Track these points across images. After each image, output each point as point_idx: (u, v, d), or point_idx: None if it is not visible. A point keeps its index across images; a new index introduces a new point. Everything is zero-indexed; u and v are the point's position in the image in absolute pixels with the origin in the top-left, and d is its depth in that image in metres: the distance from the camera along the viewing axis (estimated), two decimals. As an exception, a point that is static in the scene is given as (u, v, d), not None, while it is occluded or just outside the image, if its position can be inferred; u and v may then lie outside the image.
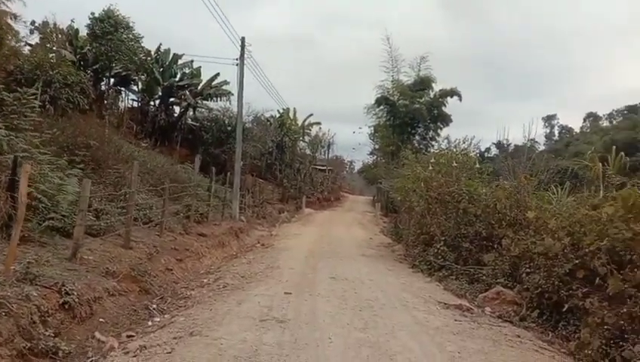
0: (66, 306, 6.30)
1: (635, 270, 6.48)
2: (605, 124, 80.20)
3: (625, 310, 6.16)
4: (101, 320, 6.92)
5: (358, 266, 12.53)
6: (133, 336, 6.40)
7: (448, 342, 6.26)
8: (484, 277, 10.58)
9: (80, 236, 8.34)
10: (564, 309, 7.46)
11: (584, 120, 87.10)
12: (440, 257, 12.53)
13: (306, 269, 11.36)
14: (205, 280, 10.21)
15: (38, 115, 14.38)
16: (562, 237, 8.86)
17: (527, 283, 8.96)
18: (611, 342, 6.20)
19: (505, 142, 51.56)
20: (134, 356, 5.18)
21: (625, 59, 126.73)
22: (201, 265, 12.12)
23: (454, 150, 17.31)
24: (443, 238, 12.97)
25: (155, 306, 7.99)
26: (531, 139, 46.31)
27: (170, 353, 5.17)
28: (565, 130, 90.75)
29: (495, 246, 11.27)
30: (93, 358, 5.40)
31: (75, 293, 6.49)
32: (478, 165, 16.19)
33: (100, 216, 10.67)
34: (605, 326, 6.28)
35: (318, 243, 17.28)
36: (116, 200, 11.83)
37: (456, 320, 7.52)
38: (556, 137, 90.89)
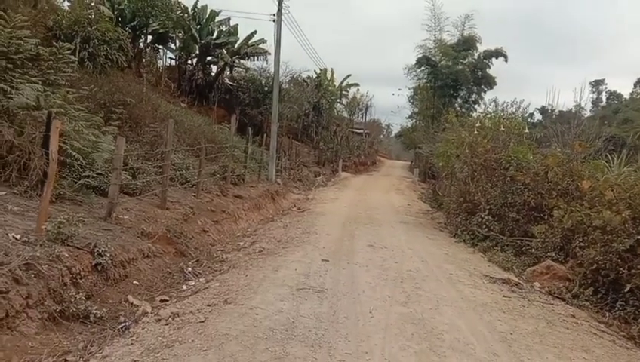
0: (99, 268, 6.11)
1: None
2: (658, 90, 75.89)
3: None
4: (135, 282, 6.75)
5: (397, 234, 12.11)
6: (167, 301, 6.20)
7: (498, 320, 5.82)
8: (532, 250, 10.02)
9: (115, 195, 8.15)
10: (627, 289, 6.84)
11: (635, 85, 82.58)
12: (484, 227, 11.97)
13: (343, 235, 11.01)
14: (241, 244, 10.00)
15: (76, 71, 14.34)
16: (622, 210, 8.20)
17: (581, 258, 8.38)
18: (681, 328, 5.64)
19: (549, 107, 49.41)
20: (166, 324, 4.95)
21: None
22: (237, 227, 11.92)
23: (501, 114, 16.43)
24: (488, 207, 12.36)
25: (190, 269, 7.79)
26: (578, 105, 44.31)
27: (203, 322, 4.92)
28: (614, 95, 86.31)
29: (545, 217, 10.61)
30: (125, 323, 5.19)
31: (108, 255, 6.29)
32: (527, 130, 15.29)
33: (136, 175, 10.54)
34: (675, 311, 5.70)
35: (354, 208, 16.90)
36: (152, 160, 11.67)
37: (504, 296, 7.06)
38: (604, 103, 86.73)
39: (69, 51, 12.33)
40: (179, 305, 5.67)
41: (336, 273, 7.45)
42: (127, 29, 21.88)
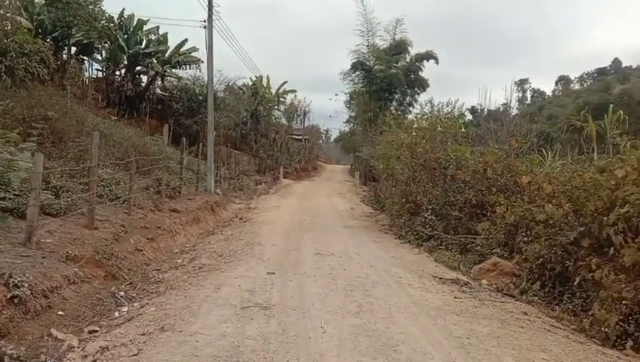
0: (15, 300, 5.42)
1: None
2: (577, 87, 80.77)
3: (645, 283, 5.59)
4: (60, 313, 6.04)
5: (343, 239, 11.86)
6: (96, 331, 5.58)
7: (453, 324, 5.61)
8: (477, 247, 10.06)
9: (34, 217, 7.37)
10: (575, 283, 6.86)
11: (556, 83, 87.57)
12: (428, 227, 11.95)
13: (288, 245, 10.61)
14: (179, 261, 9.38)
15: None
16: (563, 203, 8.30)
17: (526, 253, 8.42)
18: (630, 318, 5.65)
19: (479, 107, 51.30)
20: (94, 360, 4.38)
21: (594, 21, 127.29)
22: (174, 243, 11.24)
23: (437, 114, 16.62)
24: (430, 207, 12.38)
25: (122, 293, 7.14)
26: (506, 104, 46.15)
27: (136, 355, 4.38)
28: (537, 93, 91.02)
29: (487, 214, 10.68)
30: (47, 363, 4.57)
31: (26, 285, 5.60)
32: (463, 129, 15.52)
33: (60, 194, 9.69)
34: (623, 302, 5.71)
35: (298, 215, 16.54)
36: (78, 176, 10.82)
37: (456, 298, 6.91)
38: (529, 101, 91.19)
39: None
40: (109, 336, 5.07)
41: (284, 286, 7.04)
42: (48, 40, 20.55)
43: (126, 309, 6.44)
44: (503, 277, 8.50)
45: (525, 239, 8.75)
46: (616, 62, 79.81)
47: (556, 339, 5.41)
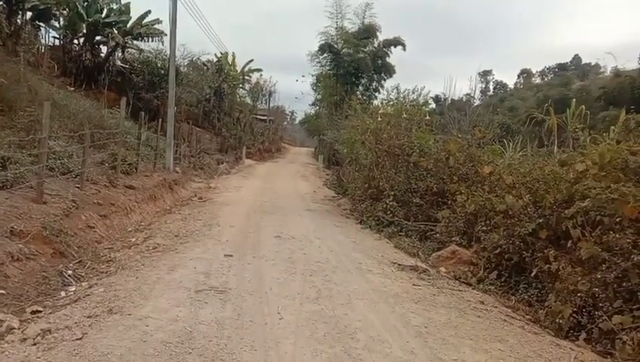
0: (-50, 278, 5.05)
1: (610, 232, 5.99)
2: (538, 80, 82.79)
3: (599, 276, 5.68)
4: (0, 291, 5.69)
5: (305, 222, 11.72)
6: (39, 312, 5.26)
7: (411, 313, 5.57)
8: (436, 235, 10.10)
9: (-25, 190, 6.92)
10: (532, 274, 6.94)
11: (518, 76, 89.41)
12: (389, 213, 11.95)
13: (248, 227, 10.40)
14: (133, 240, 9.04)
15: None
16: (523, 194, 8.40)
17: (484, 242, 8.49)
18: (583, 310, 5.74)
19: (443, 95, 51.83)
20: (34, 344, 4.09)
21: (557, 17, 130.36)
22: (129, 221, 10.83)
23: (403, 100, 16.60)
24: (392, 193, 12.37)
25: (70, 272, 6.79)
26: (468, 94, 46.80)
27: (80, 339, 4.13)
28: (500, 85, 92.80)
29: (448, 202, 10.73)
30: (-19, 346, 4.25)
31: (-38, 261, 5.23)
32: (428, 117, 15.56)
33: (7, 166, 9.16)
34: (578, 294, 5.79)
35: (260, 196, 16.30)
36: (28, 148, 10.25)
37: (414, 285, 6.89)
38: (491, 92, 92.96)
39: None
40: (53, 317, 4.78)
41: (241, 269, 6.86)
42: (1, 2, 19.40)
43: (73, 289, 6.13)
44: (461, 266, 8.56)
45: (484, 228, 8.82)
46: (577, 58, 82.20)
47: (512, 330, 5.45)
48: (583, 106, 15.62)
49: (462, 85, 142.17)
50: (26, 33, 22.20)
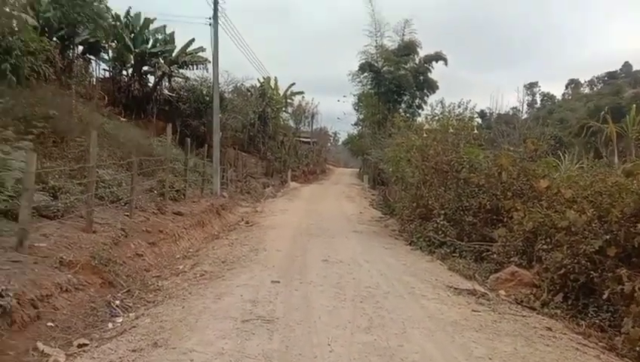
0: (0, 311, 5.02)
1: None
2: (586, 90, 79.86)
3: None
4: (49, 324, 5.64)
5: (352, 245, 11.40)
6: (86, 345, 5.17)
7: (473, 342, 5.14)
8: (493, 255, 9.55)
9: (27, 220, 6.97)
10: (604, 296, 6.36)
11: (566, 87, 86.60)
12: (440, 233, 11.47)
13: (294, 250, 10.17)
14: (181, 267, 8.97)
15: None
16: (586, 208, 7.81)
17: (546, 262, 7.92)
18: (667, 336, 5.16)
19: (488, 110, 50.70)
20: (77, 382, 3.95)
21: (604, 25, 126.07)
22: (177, 248, 10.83)
23: (449, 115, 16.10)
24: (443, 212, 11.89)
25: (118, 302, 6.73)
26: (515, 107, 45.51)
27: (123, 377, 3.96)
28: (547, 97, 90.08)
29: (503, 219, 10.18)
30: (26, 383, 4.16)
31: (12, 294, 5.19)
32: (476, 131, 15.02)
33: (58, 196, 9.34)
34: (659, 318, 5.22)
35: (306, 219, 16.10)
36: (78, 177, 10.46)
37: (473, 311, 6.42)
38: (538, 105, 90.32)
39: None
40: (97, 352, 4.66)
41: (288, 296, 6.61)
42: (54, 39, 20.29)
43: (120, 320, 6.03)
44: (522, 288, 8.02)
45: (545, 247, 8.26)
46: (627, 65, 78.79)
47: (587, 360, 4.93)
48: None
49: (508, 99, 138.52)
50: (78, 67, 23.21)
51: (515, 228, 9.39)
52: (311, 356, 4.53)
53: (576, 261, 7.16)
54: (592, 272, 6.90)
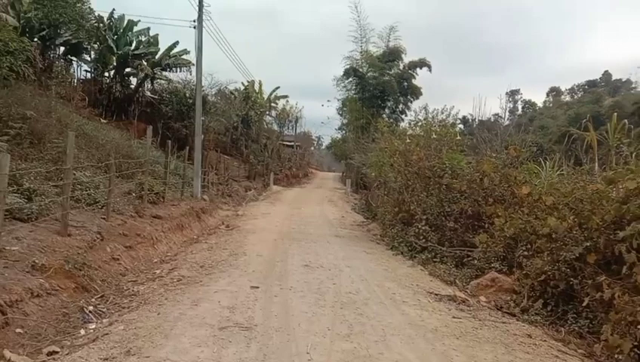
0: (-36, 318, 4.83)
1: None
2: (567, 98, 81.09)
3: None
4: (18, 331, 5.44)
5: (334, 249, 11.31)
6: (56, 353, 4.99)
7: (453, 350, 5.09)
8: (474, 261, 9.53)
9: (-2, 223, 6.76)
10: (584, 303, 6.36)
11: (547, 95, 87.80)
12: (422, 238, 11.44)
13: (275, 255, 10.05)
14: (158, 272, 8.78)
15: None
16: (567, 216, 7.83)
17: (526, 268, 7.92)
18: (645, 344, 5.16)
19: (470, 116, 51.07)
20: (43, 392, 3.79)
21: (585, 34, 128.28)
22: (155, 252, 10.62)
23: (432, 121, 16.15)
24: (424, 217, 11.87)
25: (91, 308, 6.54)
26: (497, 114, 46.02)
27: (92, 387, 3.81)
28: (528, 104, 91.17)
29: (485, 225, 10.20)
30: (-10, 394, 3.98)
31: (-22, 300, 5.00)
32: (459, 137, 15.07)
33: (33, 198, 9.09)
34: (638, 326, 5.22)
35: (287, 223, 15.99)
36: (54, 179, 10.21)
37: (454, 318, 6.38)
38: (520, 112, 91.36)
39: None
40: (67, 360, 4.50)
41: (268, 302, 6.49)
42: (35, 39, 19.91)
43: (93, 326, 5.86)
44: (503, 294, 8.01)
45: (526, 253, 8.28)
46: (607, 74, 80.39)
47: (566, 367, 4.91)
48: (626, 120, 14.88)
49: (490, 105, 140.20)
50: (58, 67, 22.81)
51: (496, 234, 9.40)
52: (288, 365, 4.42)
53: (556, 267, 7.17)
54: (572, 279, 6.91)
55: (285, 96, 45.87)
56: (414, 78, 36.90)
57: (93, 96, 24.38)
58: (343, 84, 37.58)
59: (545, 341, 5.84)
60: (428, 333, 5.60)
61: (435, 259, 10.53)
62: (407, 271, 9.63)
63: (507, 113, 76.20)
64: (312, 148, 70.99)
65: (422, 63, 36.77)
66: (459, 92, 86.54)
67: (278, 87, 43.64)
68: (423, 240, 11.37)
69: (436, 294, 7.62)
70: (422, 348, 5.11)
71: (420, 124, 16.11)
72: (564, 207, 8.14)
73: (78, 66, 26.01)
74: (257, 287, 7.23)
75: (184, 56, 27.03)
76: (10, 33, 16.51)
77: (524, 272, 7.96)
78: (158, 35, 26.41)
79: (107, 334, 5.23)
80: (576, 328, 6.46)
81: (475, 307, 7.15)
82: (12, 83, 15.27)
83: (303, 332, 5.29)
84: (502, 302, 7.69)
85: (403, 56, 36.47)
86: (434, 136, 14.53)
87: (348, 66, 36.30)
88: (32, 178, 9.67)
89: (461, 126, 47.50)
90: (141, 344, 4.77)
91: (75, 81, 25.19)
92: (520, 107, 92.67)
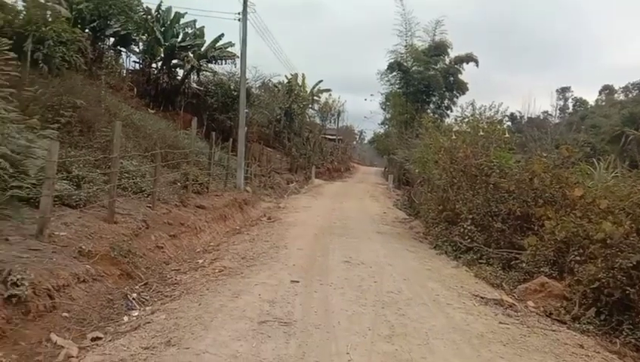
0: (14, 300, 4.94)
1: None
2: (621, 97, 77.38)
3: None
4: (65, 314, 5.54)
5: (375, 246, 11.13)
6: (100, 339, 5.06)
7: (500, 358, 4.86)
8: (522, 264, 9.14)
9: (48, 208, 6.92)
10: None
11: (599, 93, 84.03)
12: (467, 238, 11.11)
13: (316, 250, 9.97)
14: (200, 261, 8.85)
15: (30, 72, 13.08)
16: (623, 221, 7.40)
17: (579, 274, 7.53)
18: None
19: (518, 114, 49.60)
20: (85, 379, 3.82)
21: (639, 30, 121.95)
22: (198, 241, 10.74)
23: (479, 117, 15.67)
24: (470, 216, 11.50)
25: (135, 295, 6.63)
26: (546, 112, 44.38)
27: (132, 377, 3.81)
28: (580, 102, 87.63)
29: (534, 227, 9.79)
30: (35, 377, 4.05)
31: (27, 283, 5.10)
32: (507, 135, 14.55)
33: (82, 185, 9.32)
34: None
35: (328, 217, 15.90)
36: (102, 167, 10.46)
37: (501, 323, 6.12)
38: (570, 110, 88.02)
39: (6, 47, 11.04)
40: (109, 347, 4.53)
41: (308, 298, 6.41)
42: (86, 30, 20.51)
43: (136, 314, 5.92)
44: (552, 300, 7.65)
45: (578, 258, 7.88)
46: (663, 73, 76.06)
47: (623, 383, 4.61)
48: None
49: (540, 103, 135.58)
50: (108, 58, 23.43)
51: (546, 237, 9.00)
52: (328, 365, 4.31)
53: (611, 275, 6.77)
54: (628, 288, 6.51)
55: (328, 90, 45.77)
56: (460, 73, 36.10)
57: (141, 86, 24.99)
58: (386, 78, 37.14)
59: (598, 352, 5.52)
60: (473, 339, 5.37)
61: (480, 261, 10.20)
62: (452, 271, 9.36)
63: (557, 111, 73.67)
64: (355, 142, 70.71)
65: (468, 58, 35.88)
66: (507, 88, 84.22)
67: (321, 81, 43.57)
68: (469, 240, 11.04)
69: (482, 297, 7.35)
70: (467, 354, 4.91)
71: (466, 120, 15.65)
72: (620, 212, 7.71)
73: (127, 57, 26.71)
74: (297, 282, 7.16)
75: (229, 49, 27.32)
76: (63, 24, 17.04)
77: (576, 278, 7.59)
78: (204, 27, 26.77)
79: (149, 322, 5.27)
80: (633, 340, 6.09)
81: (522, 312, 6.86)
82: (64, 72, 15.78)
83: (342, 331, 5.18)
84: (551, 309, 7.34)
85: (449, 50, 35.76)
86: (481, 133, 14.08)
87: (392, 60, 35.84)
88: (80, 165, 9.91)
89: (509, 123, 46.22)
90: (181, 334, 4.77)
91: (124, 71, 25.86)
92: (571, 105, 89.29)
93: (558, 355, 5.17)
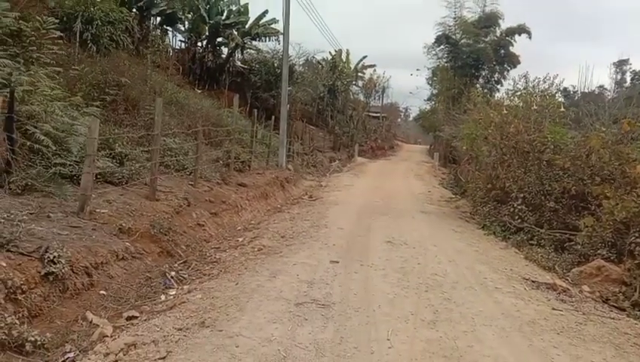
0: (51, 278, 4.94)
1: None
2: (683, 70, 72.29)
3: None
4: (102, 292, 5.55)
5: (419, 226, 10.77)
6: (135, 318, 5.01)
7: (554, 348, 4.48)
8: (577, 246, 8.59)
9: (88, 185, 6.95)
10: None
11: (660, 66, 78.71)
12: (517, 218, 10.57)
13: (357, 229, 9.71)
14: (240, 240, 8.77)
15: (80, 52, 13.34)
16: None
17: (640, 257, 6.98)
18: None
19: (571, 88, 47.16)
20: (115, 361, 3.73)
21: None
22: (239, 219, 10.69)
23: (533, 90, 14.82)
24: (521, 195, 10.92)
25: (173, 273, 6.59)
26: (602, 86, 41.99)
27: (163, 359, 3.70)
28: (639, 75, 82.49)
29: (591, 207, 9.17)
30: (69, 355, 4.02)
31: (64, 261, 5.09)
32: (562, 109, 13.71)
33: (124, 162, 9.39)
34: None
35: (371, 196, 15.57)
36: (145, 144, 10.51)
37: (554, 309, 5.71)
38: (627, 84, 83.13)
39: (53, 26, 11.17)
40: (143, 328, 4.45)
41: (347, 279, 6.18)
42: (133, 10, 20.71)
43: (173, 293, 5.87)
44: (609, 285, 7.14)
45: (639, 241, 7.30)
46: None
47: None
48: None
49: (597, 76, 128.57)
50: (154, 37, 23.63)
51: (605, 217, 8.39)
52: (367, 351, 4.08)
53: (678, 260, 6.23)
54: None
55: (372, 66, 44.74)
56: (512, 45, 34.39)
57: (187, 65, 25.14)
58: (433, 52, 35.89)
59: (663, 343, 5.04)
60: (524, 326, 5.01)
61: (531, 242, 9.68)
62: (500, 253, 8.91)
63: (614, 85, 69.70)
64: (399, 119, 69.46)
65: (521, 30, 34.15)
66: (560, 61, 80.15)
67: (365, 56, 42.62)
68: (519, 221, 10.50)
69: (533, 281, 6.92)
70: (517, 342, 4.56)
71: (519, 93, 14.84)
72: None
73: (173, 36, 26.90)
74: (337, 262, 6.95)
75: (273, 25, 27.03)
76: (111, 4, 17.22)
77: (637, 262, 7.04)
78: (247, 3, 26.56)
79: (184, 302, 5.18)
80: (703, 331, 5.56)
81: (577, 298, 6.40)
82: (112, 52, 15.98)
83: (383, 315, 4.93)
84: (609, 294, 6.84)
85: (500, 22, 34.07)
86: (534, 107, 13.32)
87: (440, 33, 34.56)
88: (124, 143, 9.98)
89: (562, 98, 44.04)
90: (216, 315, 4.65)
91: (170, 50, 26.07)
92: (629, 78, 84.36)
93: (617, 346, 4.74)
